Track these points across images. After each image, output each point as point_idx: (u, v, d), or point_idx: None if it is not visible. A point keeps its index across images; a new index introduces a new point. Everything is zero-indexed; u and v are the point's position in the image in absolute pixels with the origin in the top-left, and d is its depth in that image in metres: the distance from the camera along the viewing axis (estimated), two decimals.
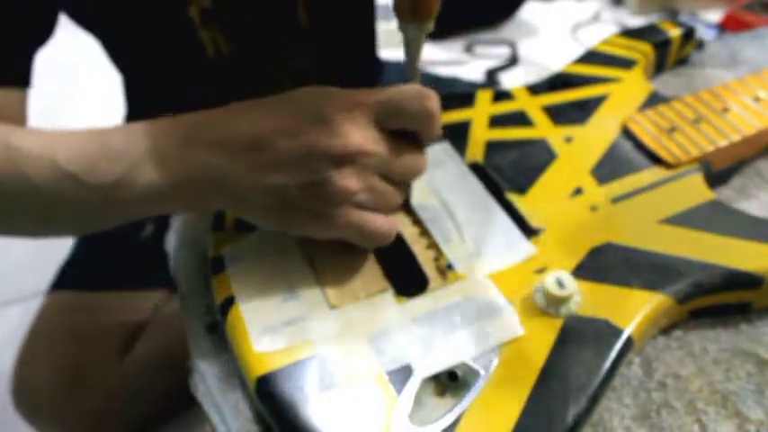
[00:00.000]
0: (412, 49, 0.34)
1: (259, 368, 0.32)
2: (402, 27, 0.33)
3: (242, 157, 0.33)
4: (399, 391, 0.31)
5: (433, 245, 0.38)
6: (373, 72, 0.76)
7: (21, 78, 0.45)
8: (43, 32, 0.48)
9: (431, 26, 0.33)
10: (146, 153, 0.34)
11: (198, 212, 0.43)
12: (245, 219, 0.36)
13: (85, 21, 0.55)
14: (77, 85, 1.29)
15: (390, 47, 1.43)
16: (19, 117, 0.45)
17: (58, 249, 0.77)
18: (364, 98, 0.33)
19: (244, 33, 0.56)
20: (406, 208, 0.40)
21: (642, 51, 0.51)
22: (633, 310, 0.33)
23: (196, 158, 0.33)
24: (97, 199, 0.35)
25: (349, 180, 0.33)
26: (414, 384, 0.31)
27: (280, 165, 0.32)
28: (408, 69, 0.35)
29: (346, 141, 0.32)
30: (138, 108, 0.71)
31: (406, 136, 0.34)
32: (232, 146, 0.33)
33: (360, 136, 0.33)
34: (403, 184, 0.36)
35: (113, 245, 0.73)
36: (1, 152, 0.35)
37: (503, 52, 1.42)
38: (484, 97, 0.48)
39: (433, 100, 0.33)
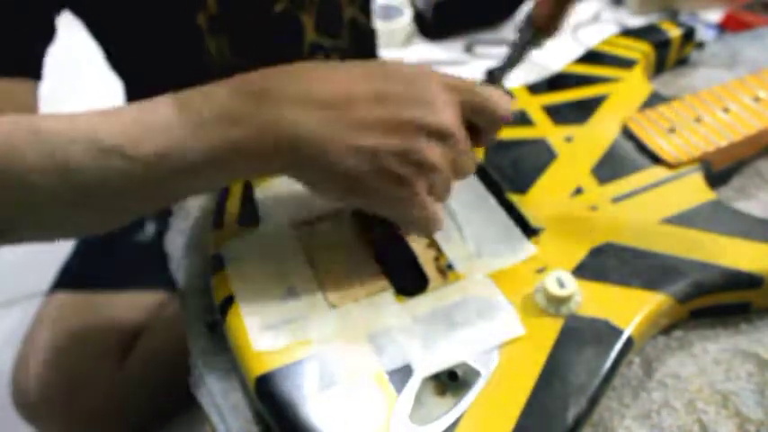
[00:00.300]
0: (522, 57, 0.35)
1: (259, 367, 0.32)
2: (534, 37, 0.34)
3: (328, 113, 0.31)
4: (399, 390, 0.31)
5: (433, 244, 0.38)
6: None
7: (32, 70, 0.45)
8: (48, 29, 0.48)
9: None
10: (209, 114, 0.30)
11: (262, 176, 0.39)
12: (313, 187, 0.34)
13: (92, 22, 0.55)
14: (77, 82, 1.29)
15: (390, 47, 1.43)
16: (32, 107, 0.44)
17: (58, 249, 0.77)
18: (459, 84, 0.34)
19: (248, 42, 0.57)
20: None
21: (642, 51, 0.51)
22: (633, 310, 0.33)
23: (274, 115, 0.30)
24: (146, 172, 0.31)
25: (436, 155, 0.32)
26: (414, 384, 0.31)
27: (371, 126, 0.31)
28: (504, 74, 0.35)
29: (442, 118, 0.32)
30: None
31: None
32: (318, 103, 0.31)
33: (453, 117, 0.33)
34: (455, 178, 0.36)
35: (113, 245, 0.73)
36: (30, 139, 0.31)
37: (503, 52, 1.42)
38: None
39: (509, 111, 0.35)
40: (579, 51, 0.53)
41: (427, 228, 0.35)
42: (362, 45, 0.70)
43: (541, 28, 0.37)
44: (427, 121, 0.32)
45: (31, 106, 0.44)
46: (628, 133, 0.44)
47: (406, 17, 1.45)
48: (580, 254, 0.36)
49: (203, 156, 0.30)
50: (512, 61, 0.36)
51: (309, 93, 0.31)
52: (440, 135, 0.32)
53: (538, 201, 0.40)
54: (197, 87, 0.32)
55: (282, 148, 0.31)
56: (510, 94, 0.35)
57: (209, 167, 0.31)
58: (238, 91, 0.31)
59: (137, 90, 0.67)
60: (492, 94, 0.35)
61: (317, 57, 0.62)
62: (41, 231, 0.35)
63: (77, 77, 1.25)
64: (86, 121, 0.32)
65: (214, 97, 0.31)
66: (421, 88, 0.32)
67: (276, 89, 0.31)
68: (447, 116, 0.32)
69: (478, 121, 0.35)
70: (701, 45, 0.55)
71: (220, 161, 0.31)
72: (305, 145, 0.31)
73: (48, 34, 0.48)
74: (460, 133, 0.33)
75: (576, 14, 1.59)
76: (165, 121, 0.31)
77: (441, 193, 0.35)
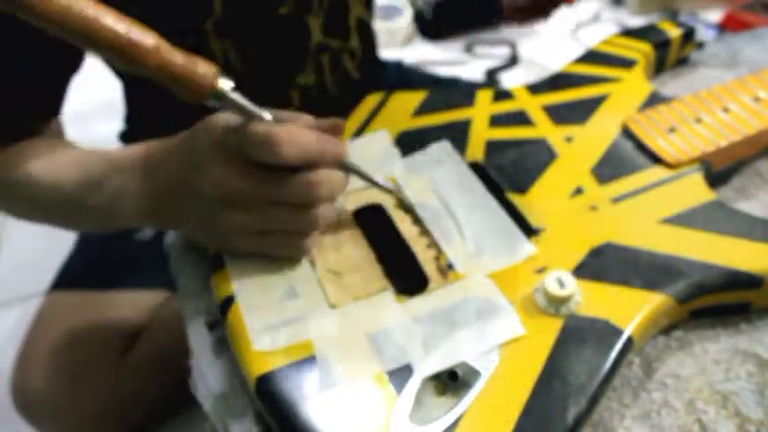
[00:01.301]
0: (230, 107, 0.33)
1: (259, 367, 0.32)
2: (211, 104, 0.33)
3: (169, 197, 0.38)
4: (399, 390, 0.31)
5: (433, 244, 0.38)
6: (374, 73, 0.76)
7: (61, 104, 0.49)
8: (75, 59, 0.49)
9: (228, 85, 0.32)
10: (118, 187, 0.40)
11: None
12: None
13: None
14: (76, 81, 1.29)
15: (390, 47, 1.43)
16: (60, 136, 0.50)
17: (58, 249, 0.77)
18: (231, 137, 0.34)
19: (253, 45, 0.57)
20: (406, 207, 0.40)
21: (642, 51, 0.51)
22: (633, 310, 0.33)
23: (148, 192, 0.39)
24: (101, 215, 0.43)
25: (235, 217, 0.35)
26: (414, 384, 0.31)
27: (185, 201, 0.37)
28: (251, 116, 0.34)
29: (209, 179, 0.34)
30: (138, 111, 0.71)
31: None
32: (164, 187, 0.38)
33: (226, 177, 0.34)
34: (309, 204, 0.35)
35: (113, 245, 0.73)
36: (20, 179, 0.44)
37: (503, 52, 1.42)
38: (484, 97, 0.48)
39: (278, 145, 0.32)
40: (579, 51, 0.53)
41: (288, 256, 0.37)
42: (368, 44, 0.70)
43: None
44: (212, 191, 0.35)
45: (59, 131, 0.50)
46: (628, 133, 0.44)
47: (406, 17, 1.45)
48: (580, 254, 0.36)
49: (127, 215, 0.41)
50: (243, 113, 0.34)
51: (159, 179, 0.39)
52: (222, 197, 0.34)
53: (538, 201, 0.40)
54: (115, 156, 0.42)
55: (153, 219, 0.41)
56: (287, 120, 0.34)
57: (136, 221, 0.42)
58: (135, 173, 0.40)
59: (138, 91, 0.67)
60: (254, 135, 0.33)
61: (323, 58, 0.62)
62: (43, 223, 0.49)
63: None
64: (55, 168, 0.43)
65: (124, 173, 0.40)
66: (196, 154, 0.35)
67: (144, 175, 0.40)
68: (222, 180, 0.34)
69: (261, 160, 0.33)
70: (701, 45, 0.55)
71: (137, 220, 0.41)
72: (166, 218, 0.40)
73: (74, 67, 0.49)
74: (249, 184, 0.34)
75: (575, 14, 1.59)
76: (105, 182, 0.41)
77: (294, 229, 0.35)
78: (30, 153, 0.45)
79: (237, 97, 0.32)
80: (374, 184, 0.39)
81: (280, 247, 0.36)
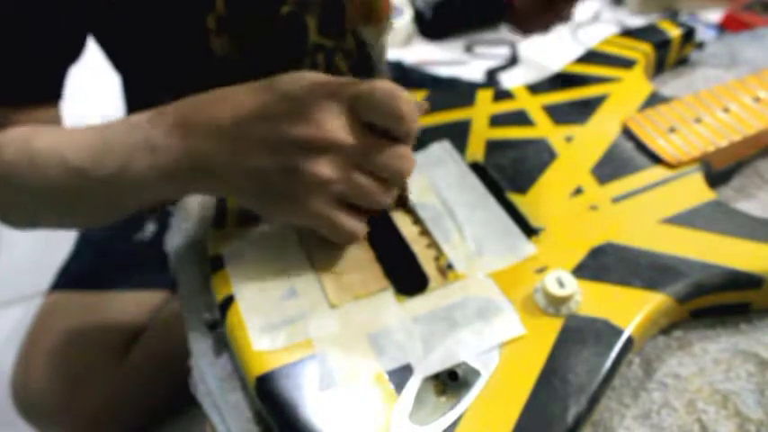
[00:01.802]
0: (376, 49, 0.33)
1: (259, 367, 0.32)
2: (361, 30, 0.32)
3: (224, 141, 0.33)
4: (399, 390, 0.31)
5: (433, 244, 0.38)
6: (370, 75, 0.76)
7: (56, 94, 0.48)
8: (76, 48, 0.49)
9: (389, 27, 0.32)
10: (138, 143, 0.35)
11: (203, 194, 0.43)
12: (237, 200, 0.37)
13: (102, 28, 0.55)
14: (75, 80, 1.29)
15: (390, 47, 1.43)
16: (59, 119, 0.48)
17: (58, 249, 0.77)
18: (339, 88, 0.33)
19: (253, 42, 0.57)
20: (406, 207, 0.40)
21: (642, 51, 0.51)
22: (633, 309, 0.33)
23: (182, 145, 0.34)
24: (104, 190, 0.38)
25: (322, 169, 0.33)
26: (414, 384, 0.31)
27: (258, 149, 0.33)
28: (377, 68, 0.34)
29: (317, 129, 0.32)
30: (138, 110, 0.71)
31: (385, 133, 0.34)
32: (215, 131, 0.34)
33: (332, 125, 0.32)
34: (389, 182, 0.35)
35: (113, 245, 0.73)
36: (24, 155, 0.40)
37: (503, 52, 1.42)
38: (484, 97, 0.48)
39: (402, 101, 0.33)
40: (579, 51, 0.53)
41: (341, 239, 0.36)
42: (366, 46, 0.70)
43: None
44: (307, 136, 0.32)
45: (59, 118, 0.48)
46: (628, 133, 0.44)
47: (406, 17, 1.45)
48: (580, 254, 0.36)
49: (140, 180, 0.36)
50: (378, 61, 0.34)
51: (211, 123, 0.34)
52: (323, 148, 0.32)
53: (538, 200, 0.40)
54: (129, 117, 0.38)
55: (196, 174, 0.35)
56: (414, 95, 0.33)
57: (147, 189, 0.36)
58: (159, 122, 0.36)
59: (136, 86, 0.67)
60: (375, 90, 0.32)
61: (318, 57, 0.62)
62: (41, 224, 0.45)
63: (76, 75, 1.25)
64: (59, 140, 0.40)
65: (143, 128, 0.36)
66: (301, 102, 0.33)
67: (188, 120, 0.35)
68: (322, 124, 0.32)
69: (376, 121, 0.33)
70: (701, 45, 0.55)
71: (152, 184, 0.36)
72: (210, 171, 0.34)
73: (73, 55, 0.49)
74: (348, 137, 0.33)
75: (575, 14, 1.59)
76: (115, 143, 0.36)
77: (362, 201, 0.35)
78: (31, 133, 0.42)
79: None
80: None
81: (338, 220, 0.34)
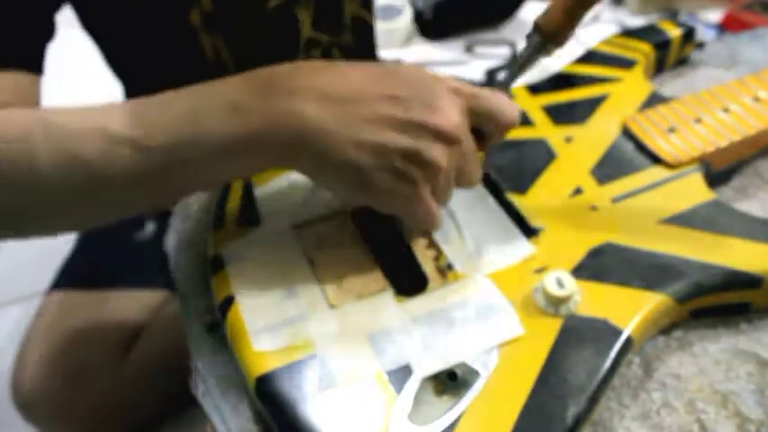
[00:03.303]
0: (529, 65, 0.37)
1: (258, 368, 0.32)
2: (543, 45, 0.37)
3: (338, 107, 0.31)
4: (399, 390, 0.31)
5: (432, 244, 0.38)
6: None
7: (34, 64, 0.44)
8: (48, 25, 0.47)
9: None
10: (219, 105, 0.31)
11: (277, 168, 0.40)
12: (320, 182, 0.34)
13: (87, 19, 0.55)
14: (76, 82, 1.29)
15: (390, 47, 1.43)
16: (35, 101, 0.43)
17: (58, 249, 0.77)
18: (467, 89, 0.34)
19: (243, 39, 0.56)
20: None
21: (642, 51, 0.51)
22: (633, 310, 0.33)
23: (282, 107, 0.31)
24: (157, 163, 0.31)
25: (442, 157, 0.33)
26: (413, 384, 0.31)
27: (380, 123, 0.31)
28: (511, 80, 0.36)
29: (449, 122, 0.32)
30: None
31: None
32: (327, 95, 0.31)
33: (458, 119, 0.33)
34: (458, 186, 0.36)
35: (113, 245, 0.73)
36: (43, 132, 0.32)
37: (503, 52, 1.42)
38: None
39: (515, 111, 0.35)
40: (579, 51, 0.53)
41: (428, 225, 0.36)
42: (365, 42, 0.70)
43: (551, 37, 0.37)
44: (435, 124, 0.32)
45: (34, 100, 0.43)
46: (628, 133, 0.44)
47: (406, 17, 1.45)
48: (579, 254, 0.36)
49: (213, 147, 0.31)
50: (519, 68, 0.36)
51: (318, 87, 0.31)
52: (447, 138, 0.33)
53: (537, 201, 0.40)
54: (207, 82, 0.33)
55: (291, 140, 0.31)
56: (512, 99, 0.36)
57: (220, 158, 0.31)
58: (247, 83, 0.32)
59: (135, 91, 0.67)
60: (499, 100, 0.35)
61: (313, 53, 0.62)
62: (55, 221, 0.35)
63: (76, 78, 1.25)
64: (99, 112, 0.32)
65: (223, 89, 0.32)
66: (430, 92, 0.33)
67: (285, 82, 0.31)
68: (454, 121, 0.33)
69: (485, 127, 0.35)
70: (701, 45, 0.55)
71: (230, 151, 0.31)
72: (312, 136, 0.31)
73: (48, 30, 0.47)
74: (467, 138, 0.34)
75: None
76: (176, 112, 0.31)
77: (442, 195, 0.35)
78: (39, 110, 0.36)
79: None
80: None
81: (436, 210, 0.35)
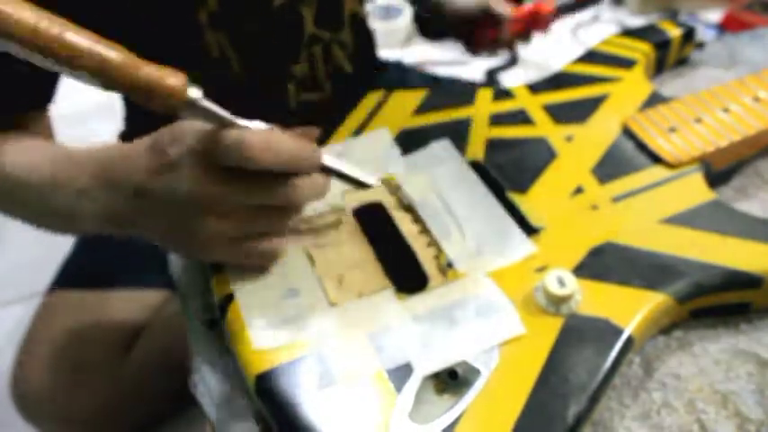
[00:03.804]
0: (205, 117, 0.32)
1: (258, 365, 0.32)
2: (183, 114, 0.31)
3: (133, 202, 0.36)
4: (399, 389, 0.31)
5: (433, 243, 0.38)
6: (369, 70, 0.76)
7: (48, 100, 0.49)
8: None
9: (199, 98, 0.31)
10: (82, 190, 0.38)
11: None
12: None
13: (93, 21, 0.55)
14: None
15: (390, 47, 1.43)
16: (48, 133, 0.50)
17: (57, 249, 0.77)
18: (194, 144, 0.33)
19: (248, 36, 0.57)
20: (406, 206, 0.40)
21: (642, 51, 0.51)
22: (633, 309, 0.33)
23: (107, 199, 0.37)
24: (64, 217, 0.41)
25: (208, 223, 0.34)
26: (414, 382, 0.31)
27: (155, 210, 0.35)
28: (223, 123, 0.33)
29: (187, 187, 0.33)
30: (137, 111, 0.71)
31: None
32: (122, 190, 0.36)
33: (197, 180, 0.33)
34: (287, 208, 0.35)
35: (113, 245, 0.73)
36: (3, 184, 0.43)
37: (503, 52, 1.42)
38: (484, 96, 0.48)
39: (249, 149, 0.32)
40: (579, 51, 0.53)
41: (264, 264, 0.37)
42: (362, 40, 0.70)
43: (473, 48, 0.37)
44: (181, 195, 0.33)
45: (48, 131, 0.50)
46: (628, 133, 0.44)
47: (406, 17, 1.45)
48: (580, 253, 0.36)
49: (88, 220, 0.39)
50: (216, 120, 0.33)
51: (120, 180, 0.36)
52: (199, 204, 0.33)
53: (538, 200, 0.40)
54: (75, 154, 0.40)
55: (124, 224, 0.38)
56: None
57: (96, 226, 0.39)
58: (93, 173, 0.38)
59: None
60: (220, 146, 0.32)
61: (315, 49, 0.62)
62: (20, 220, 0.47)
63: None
64: (30, 163, 0.43)
65: (83, 174, 0.39)
66: (169, 160, 0.33)
67: (105, 176, 0.37)
68: (191, 183, 0.33)
69: (233, 165, 0.32)
70: (701, 45, 0.55)
71: (99, 225, 0.39)
72: (130, 224, 0.37)
73: None
74: (215, 189, 0.33)
75: (576, 14, 1.59)
76: (68, 182, 0.39)
77: (267, 230, 0.35)
78: (11, 147, 0.45)
79: (209, 105, 0.31)
80: (360, 185, 0.37)
81: (251, 255, 0.35)
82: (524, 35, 0.80)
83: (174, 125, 0.35)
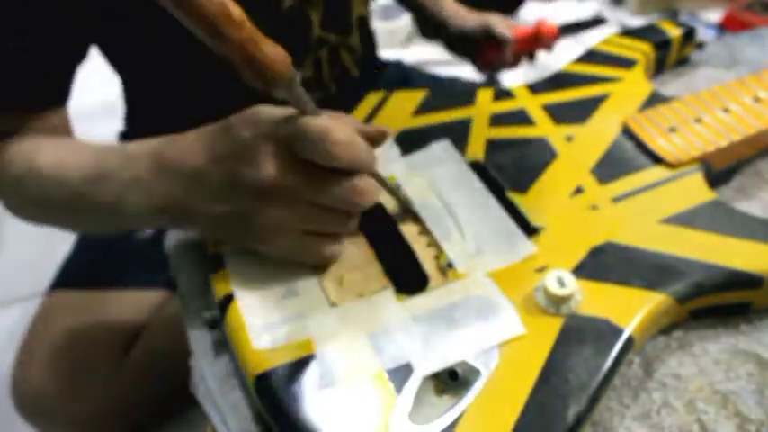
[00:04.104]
0: (294, 103, 0.32)
1: (258, 366, 0.32)
2: (272, 92, 0.31)
3: (189, 188, 0.35)
4: (399, 389, 0.31)
5: (433, 243, 0.38)
6: (373, 72, 0.76)
7: (65, 97, 0.49)
8: (81, 51, 0.50)
9: (297, 78, 0.31)
10: (130, 180, 0.37)
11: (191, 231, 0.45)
12: None
13: (102, 31, 0.55)
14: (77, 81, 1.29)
15: (391, 47, 1.43)
16: (66, 132, 0.50)
17: (58, 249, 0.77)
18: (274, 128, 0.33)
19: None
20: (406, 206, 0.40)
21: (642, 51, 0.51)
22: (633, 309, 0.33)
23: (163, 188, 0.36)
24: (106, 212, 0.40)
25: (273, 212, 0.33)
26: (414, 383, 0.31)
27: (214, 194, 0.34)
28: (306, 111, 0.33)
29: (263, 173, 0.32)
30: (138, 111, 0.71)
31: None
32: (181, 177, 0.35)
33: (274, 167, 0.33)
34: (350, 210, 0.35)
35: (113, 245, 0.73)
36: (27, 175, 0.43)
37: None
38: (485, 96, 0.48)
39: (330, 143, 0.32)
40: (579, 51, 0.53)
41: (316, 263, 0.36)
42: (368, 43, 0.70)
43: (484, 68, 0.36)
44: (252, 181, 0.33)
45: (66, 130, 0.50)
46: (628, 133, 0.44)
47: (406, 17, 1.45)
48: (580, 253, 0.36)
49: (135, 211, 0.38)
50: (302, 106, 0.33)
51: (178, 167, 0.35)
52: (266, 191, 0.33)
53: (538, 200, 0.40)
54: (125, 147, 0.40)
55: (176, 212, 0.36)
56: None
57: (147, 220, 0.38)
58: (146, 162, 0.37)
59: (138, 91, 0.67)
60: (306, 133, 0.32)
61: (322, 52, 0.62)
62: (49, 225, 0.47)
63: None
64: (63, 162, 0.42)
65: (133, 164, 0.38)
66: (245, 145, 0.33)
67: (162, 164, 0.36)
68: (268, 170, 0.32)
69: (310, 157, 0.33)
70: (701, 45, 0.55)
71: (143, 216, 0.38)
72: (180, 213, 0.36)
73: (81, 57, 0.49)
74: (290, 179, 0.33)
75: (575, 14, 1.59)
76: (113, 175, 0.38)
77: (326, 231, 0.35)
78: (36, 147, 0.44)
79: (302, 89, 0.32)
80: (394, 194, 0.39)
81: (309, 248, 0.35)
82: (529, 54, 0.80)
83: (246, 112, 0.35)
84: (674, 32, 0.53)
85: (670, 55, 0.53)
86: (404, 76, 0.80)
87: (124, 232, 0.74)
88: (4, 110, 0.46)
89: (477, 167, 0.43)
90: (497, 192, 0.41)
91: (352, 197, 0.34)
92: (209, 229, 0.37)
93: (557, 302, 0.33)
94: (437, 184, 0.41)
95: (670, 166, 0.41)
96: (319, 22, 0.60)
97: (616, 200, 0.39)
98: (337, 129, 0.32)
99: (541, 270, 0.36)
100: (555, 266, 0.35)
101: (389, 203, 0.41)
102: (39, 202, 0.45)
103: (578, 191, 0.40)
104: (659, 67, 0.54)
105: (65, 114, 0.50)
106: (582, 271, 0.35)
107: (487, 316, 0.33)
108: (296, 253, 0.36)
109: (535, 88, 0.49)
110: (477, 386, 0.31)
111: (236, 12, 0.28)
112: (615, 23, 1.52)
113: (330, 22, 0.61)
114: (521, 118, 0.46)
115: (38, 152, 0.44)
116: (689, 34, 0.53)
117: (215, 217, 0.35)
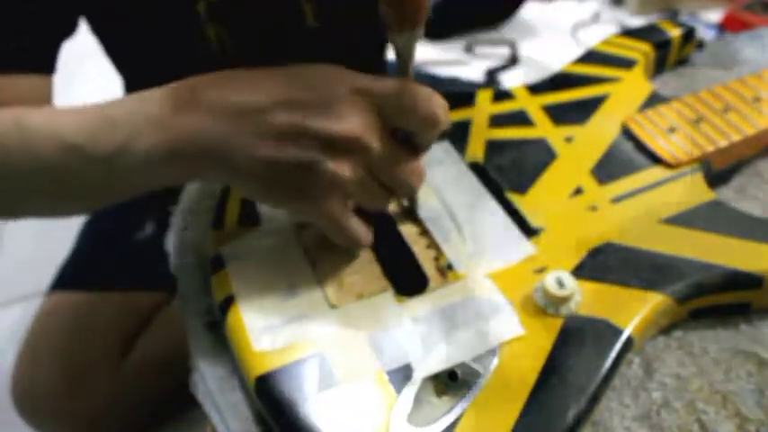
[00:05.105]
0: (404, 57, 0.32)
1: (258, 367, 0.32)
2: (392, 37, 0.31)
3: (237, 123, 0.31)
4: (399, 390, 0.31)
5: (432, 244, 0.38)
6: (373, 71, 0.76)
7: (45, 65, 0.45)
8: (70, 25, 0.48)
9: (421, 32, 0.31)
10: (144, 119, 0.32)
11: (202, 181, 0.41)
12: (238, 189, 0.36)
13: (95, 17, 0.55)
14: (77, 74, 1.29)
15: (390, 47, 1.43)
16: (45, 101, 0.45)
17: (58, 249, 0.77)
18: (374, 86, 0.31)
19: (249, 31, 0.56)
20: (405, 207, 0.40)
21: (642, 51, 0.51)
22: (633, 309, 0.33)
23: (191, 123, 0.32)
24: (102, 170, 0.34)
25: (343, 169, 0.31)
26: (413, 384, 0.31)
27: (274, 136, 0.31)
28: (402, 76, 0.32)
29: (346, 126, 0.30)
30: None
31: (405, 141, 0.33)
32: (228, 111, 0.31)
33: (361, 124, 0.31)
34: (397, 193, 0.35)
35: (113, 245, 0.73)
36: (13, 132, 0.36)
37: (503, 52, 1.42)
38: (484, 97, 0.48)
39: (443, 108, 0.32)
40: (579, 51, 0.53)
41: (346, 242, 0.35)
42: (370, 33, 0.70)
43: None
44: (330, 131, 0.30)
45: (44, 100, 0.45)
46: (628, 133, 0.44)
47: None
48: (580, 254, 0.36)
49: (144, 157, 0.32)
50: (404, 69, 0.33)
51: (224, 101, 0.31)
52: (345, 145, 0.31)
53: (538, 201, 0.40)
54: (138, 92, 0.34)
55: (198, 155, 0.32)
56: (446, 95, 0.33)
57: (147, 169, 0.33)
58: (168, 98, 0.33)
59: (136, 81, 0.67)
60: (417, 93, 0.31)
61: (315, 43, 0.62)
62: (25, 212, 0.40)
63: (77, 70, 1.25)
64: (54, 118, 0.36)
65: (150, 102, 0.33)
66: (329, 94, 0.31)
67: (198, 96, 0.32)
68: (354, 127, 0.31)
69: (404, 124, 0.32)
70: (701, 45, 0.55)
71: (153, 163, 0.33)
72: (215, 153, 0.32)
73: (68, 29, 0.48)
74: (374, 141, 0.31)
75: (575, 14, 1.59)
76: (118, 119, 0.33)
77: (367, 205, 0.34)
78: (24, 109, 0.38)
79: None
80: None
81: (348, 222, 0.33)
82: None
83: (317, 66, 0.32)
84: (673, 32, 0.53)
85: (670, 55, 0.53)
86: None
87: (124, 231, 0.74)
88: None
89: (476, 168, 0.43)
90: (497, 193, 0.41)
91: (411, 177, 0.33)
92: (248, 175, 0.32)
93: (556, 303, 0.33)
94: (437, 185, 0.41)
95: (670, 166, 0.41)
96: (312, 13, 0.60)
97: (616, 200, 0.39)
98: (437, 96, 0.32)
99: (541, 271, 0.36)
100: (554, 267, 0.35)
101: (389, 204, 0.41)
102: (21, 168, 0.36)
103: (578, 191, 0.40)
104: (659, 68, 0.54)
105: (45, 88, 0.46)
106: (581, 271, 0.35)
107: (487, 317, 0.33)
108: (335, 220, 0.33)
109: (535, 89, 0.49)
110: (477, 387, 0.31)
111: None
112: (615, 23, 1.52)
113: (323, 12, 0.61)
114: (520, 119, 0.46)
115: (25, 114, 0.38)
116: (689, 34, 0.53)
117: (265, 161, 0.31)
